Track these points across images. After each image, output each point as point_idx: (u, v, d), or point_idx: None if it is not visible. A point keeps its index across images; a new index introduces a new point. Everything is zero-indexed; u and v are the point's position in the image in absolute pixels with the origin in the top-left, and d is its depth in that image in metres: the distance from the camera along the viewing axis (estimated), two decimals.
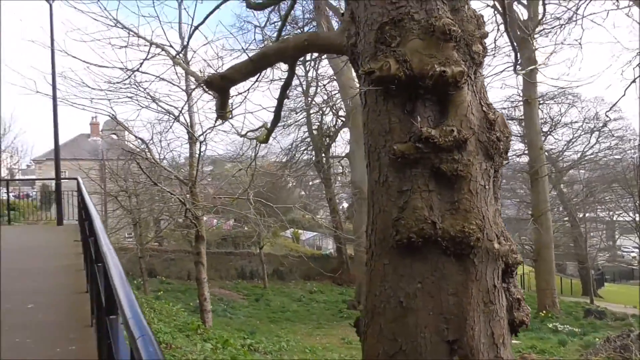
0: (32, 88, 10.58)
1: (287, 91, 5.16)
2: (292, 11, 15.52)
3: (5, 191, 17.52)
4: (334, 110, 27.61)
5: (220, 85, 4.74)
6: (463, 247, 3.78)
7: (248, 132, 6.23)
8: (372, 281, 4.10)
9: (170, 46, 9.38)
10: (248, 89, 5.39)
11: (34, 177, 34.59)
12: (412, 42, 3.87)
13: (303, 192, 38.92)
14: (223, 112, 5.10)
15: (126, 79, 9.41)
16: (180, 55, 7.68)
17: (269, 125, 5.66)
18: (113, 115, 11.62)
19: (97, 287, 4.14)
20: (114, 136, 28.73)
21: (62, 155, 13.95)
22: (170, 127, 11.62)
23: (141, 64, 7.77)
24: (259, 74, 5.01)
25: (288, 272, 27.75)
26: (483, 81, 4.25)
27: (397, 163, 3.88)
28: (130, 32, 7.76)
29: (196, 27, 5.94)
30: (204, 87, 5.27)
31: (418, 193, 3.85)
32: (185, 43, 6.87)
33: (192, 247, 22.20)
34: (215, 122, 6.70)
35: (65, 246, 10.12)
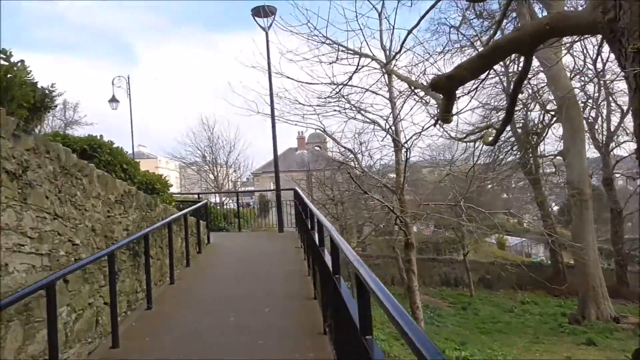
0: (254, 109, 11.80)
1: (522, 86, 4.61)
2: (486, 4, 14.42)
3: (235, 201, 20.00)
4: (540, 103, 24.98)
5: (446, 87, 4.43)
6: None
7: (468, 134, 5.80)
8: None
9: (374, 56, 9.50)
10: (476, 87, 4.99)
11: (254, 188, 39.14)
12: None
13: (506, 195, 36.40)
14: (447, 115, 4.79)
15: (335, 93, 9.79)
16: (389, 64, 7.63)
17: (497, 125, 5.17)
18: (322, 128, 12.24)
19: (334, 297, 4.20)
20: (318, 148, 30.79)
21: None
22: (383, 138, 11.76)
23: (351, 77, 8.00)
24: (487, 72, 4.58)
25: (495, 280, 26.04)
26: None
27: None
28: (340, 47, 8.01)
29: (409, 31, 5.79)
30: (429, 90, 5.04)
31: None
32: (396, 50, 6.77)
33: (394, 252, 22.42)
34: (435, 125, 6.42)
35: (288, 252, 10.93)
